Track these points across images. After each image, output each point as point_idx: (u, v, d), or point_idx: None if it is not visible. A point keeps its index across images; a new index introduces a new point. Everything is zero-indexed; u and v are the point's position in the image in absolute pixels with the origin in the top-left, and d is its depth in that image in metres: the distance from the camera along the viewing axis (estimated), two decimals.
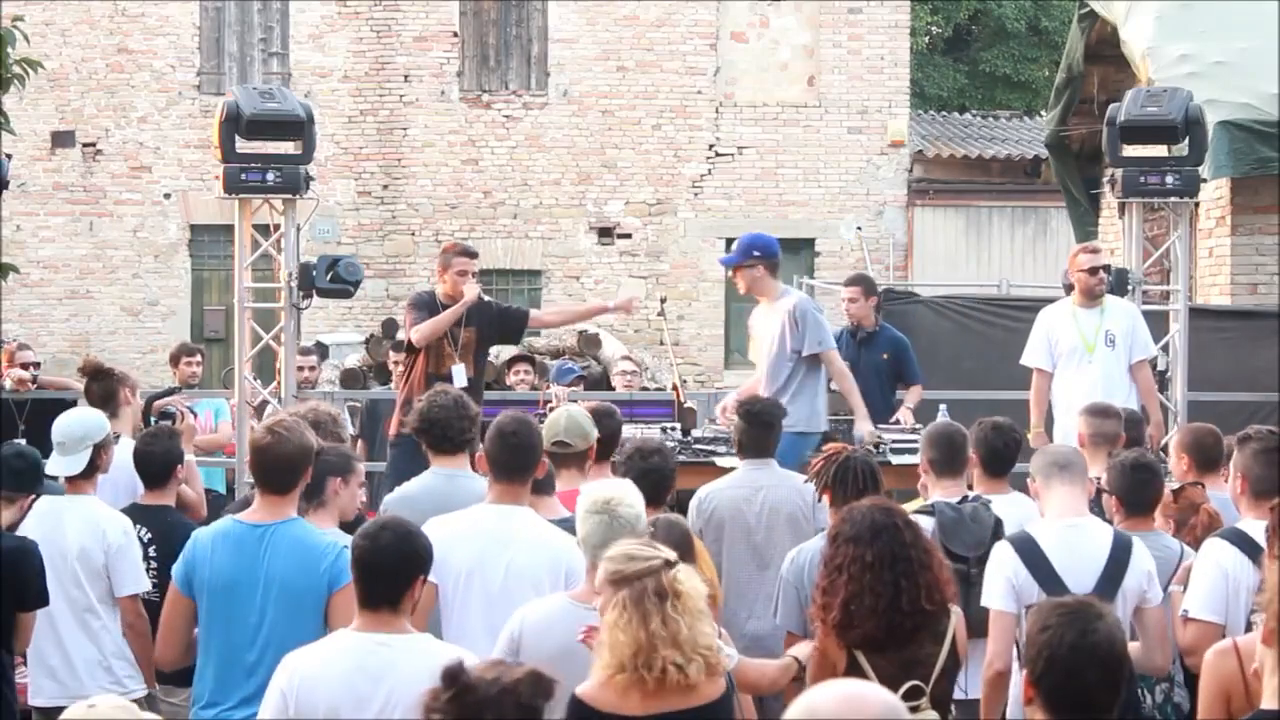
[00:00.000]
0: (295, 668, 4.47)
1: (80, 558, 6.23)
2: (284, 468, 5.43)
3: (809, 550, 6.02)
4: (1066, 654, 3.56)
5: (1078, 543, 5.58)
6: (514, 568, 5.27)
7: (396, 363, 12.57)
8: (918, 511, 6.28)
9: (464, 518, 5.62)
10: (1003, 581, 5.46)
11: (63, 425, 6.48)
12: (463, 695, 3.35)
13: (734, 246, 9.27)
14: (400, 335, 13.91)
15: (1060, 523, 5.63)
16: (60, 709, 6.03)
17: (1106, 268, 9.67)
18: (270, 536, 5.35)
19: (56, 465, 6.40)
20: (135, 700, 6.07)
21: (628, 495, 4.93)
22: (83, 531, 6.26)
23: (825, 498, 5.98)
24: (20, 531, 6.06)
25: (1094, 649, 3.57)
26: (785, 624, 5.97)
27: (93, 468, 6.41)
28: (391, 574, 4.46)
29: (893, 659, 4.79)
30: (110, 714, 3.60)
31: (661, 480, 6.57)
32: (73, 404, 10.67)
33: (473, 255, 9.47)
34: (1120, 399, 8.92)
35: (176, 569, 5.49)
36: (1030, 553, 5.51)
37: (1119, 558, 5.55)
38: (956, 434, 6.49)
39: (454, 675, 3.37)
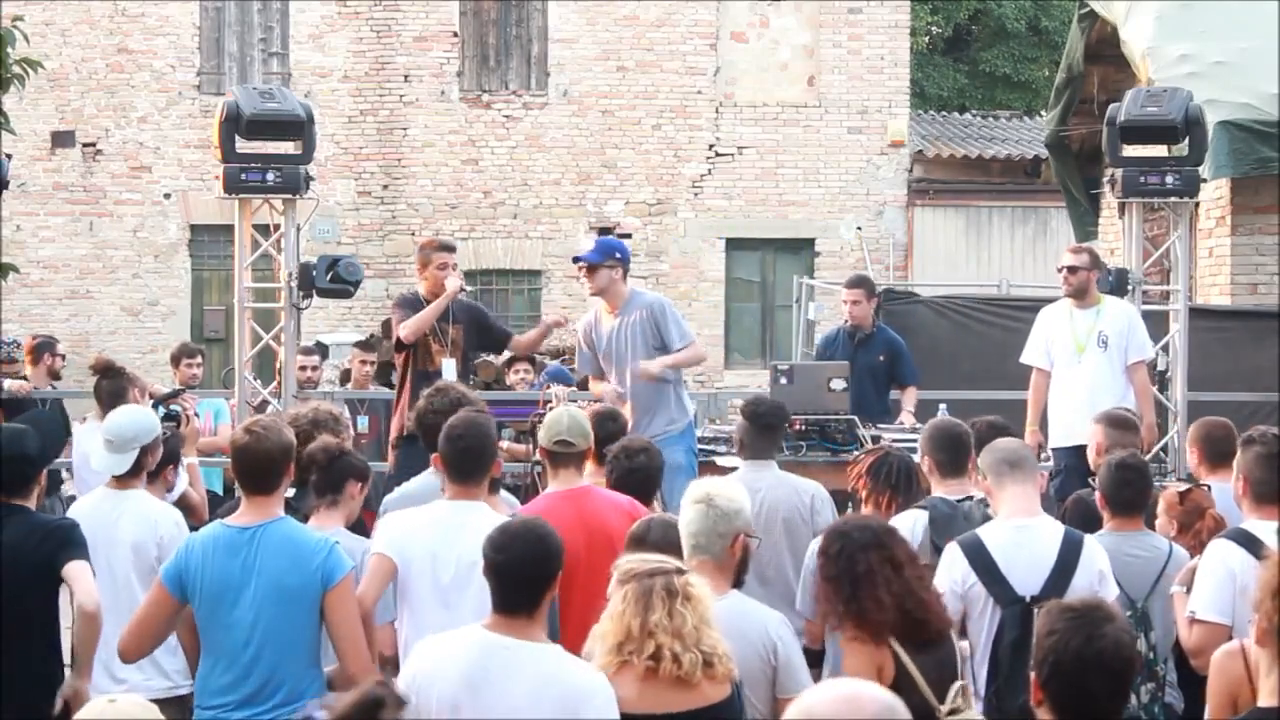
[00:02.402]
0: (422, 655, 4.51)
1: (133, 551, 6.25)
2: (265, 467, 5.44)
3: None
4: (1072, 660, 3.56)
5: (1025, 543, 5.58)
6: (464, 560, 5.32)
7: (364, 362, 12.63)
8: (913, 507, 6.31)
9: (423, 511, 5.72)
10: (945, 584, 5.44)
11: (114, 424, 6.50)
12: None
13: (591, 247, 9.23)
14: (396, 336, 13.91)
15: (1009, 523, 5.63)
16: None
17: (1073, 269, 9.63)
18: (260, 537, 5.36)
19: (104, 463, 6.44)
20: (182, 697, 6.10)
21: (729, 490, 5.08)
22: (136, 524, 6.29)
23: (860, 488, 6.04)
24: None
25: (1100, 655, 3.56)
26: (804, 612, 6.02)
27: (138, 467, 6.43)
28: (527, 580, 4.45)
29: (929, 658, 4.76)
30: (130, 712, 3.59)
31: (648, 479, 6.58)
32: (35, 403, 10.74)
33: (450, 249, 9.52)
34: (1110, 400, 8.92)
35: (167, 569, 5.50)
36: (977, 554, 5.50)
37: (1067, 558, 5.55)
38: (963, 434, 6.47)
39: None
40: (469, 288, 9.69)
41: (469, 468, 5.70)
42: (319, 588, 5.27)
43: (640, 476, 6.50)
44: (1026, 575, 5.49)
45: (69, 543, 5.62)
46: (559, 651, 4.49)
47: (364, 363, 12.77)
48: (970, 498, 6.26)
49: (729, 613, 4.85)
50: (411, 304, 9.29)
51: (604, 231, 22.06)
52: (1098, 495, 6.22)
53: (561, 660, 4.44)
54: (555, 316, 10.15)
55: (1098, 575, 5.57)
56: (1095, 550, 5.65)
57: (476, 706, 4.32)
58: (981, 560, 5.49)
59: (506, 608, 4.44)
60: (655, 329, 8.88)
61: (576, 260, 9.11)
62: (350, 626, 5.27)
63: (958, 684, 4.69)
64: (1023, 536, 5.59)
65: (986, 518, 6.05)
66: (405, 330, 9.10)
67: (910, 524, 6.03)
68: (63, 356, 11.73)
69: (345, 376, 14.94)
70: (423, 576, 5.53)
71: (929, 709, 4.62)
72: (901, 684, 4.62)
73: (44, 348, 11.47)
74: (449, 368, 9.07)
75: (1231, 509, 6.13)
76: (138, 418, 6.60)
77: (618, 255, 9.03)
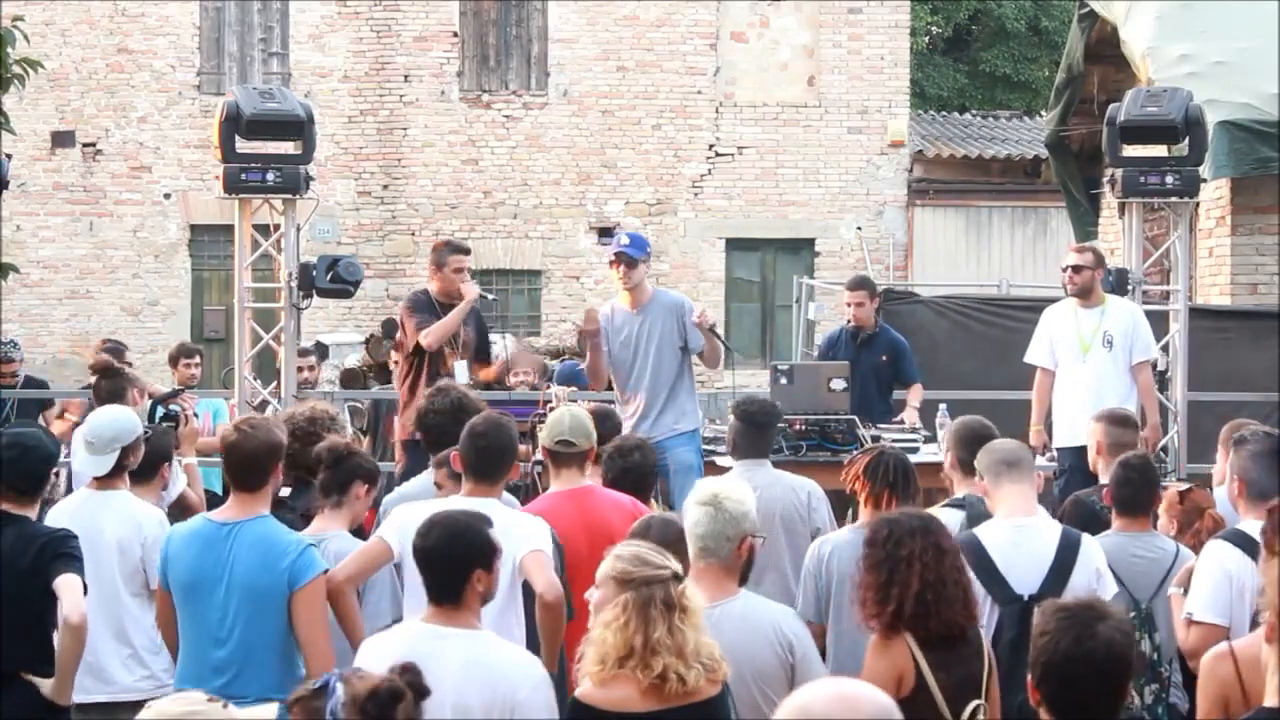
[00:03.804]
0: (363, 654, 4.55)
1: (118, 551, 6.23)
2: (250, 465, 5.47)
3: (832, 542, 6.07)
4: (1061, 661, 3.55)
5: (1024, 542, 5.58)
6: None
7: (399, 362, 12.54)
8: (947, 504, 6.31)
9: (434, 505, 5.61)
10: None
11: (94, 425, 6.45)
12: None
13: (627, 240, 9.17)
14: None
15: (1007, 523, 5.64)
16: (96, 705, 6.08)
17: (1077, 268, 9.61)
18: (236, 534, 5.39)
19: (85, 464, 6.41)
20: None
21: (737, 491, 5.04)
22: (120, 525, 6.26)
23: (858, 489, 6.06)
24: (56, 524, 6.02)
25: (1089, 655, 3.55)
26: (804, 614, 6.01)
27: (120, 467, 6.40)
28: (445, 571, 4.49)
29: (951, 675, 4.68)
30: (174, 709, 3.61)
31: (642, 477, 6.59)
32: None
33: (467, 251, 9.51)
34: (1116, 400, 8.92)
35: (159, 566, 5.57)
36: (975, 554, 5.48)
37: (1065, 556, 5.55)
38: (989, 434, 6.47)
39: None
40: (490, 295, 9.66)
41: (487, 467, 5.69)
42: (285, 589, 5.29)
43: (635, 475, 6.50)
44: (1024, 574, 5.50)
45: (62, 555, 5.60)
46: (490, 637, 4.54)
47: (399, 362, 12.62)
48: None
49: (741, 613, 4.85)
50: (425, 306, 9.22)
51: (604, 232, 22.09)
52: (1105, 495, 6.21)
53: (492, 645, 4.49)
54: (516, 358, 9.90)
55: (1095, 574, 5.58)
56: (1093, 549, 5.65)
57: None
58: (979, 559, 5.48)
59: (433, 597, 4.51)
60: (681, 329, 8.91)
61: (618, 254, 9.03)
62: (314, 629, 5.28)
63: (975, 703, 4.64)
64: (1020, 536, 5.59)
65: None
66: (430, 338, 9.03)
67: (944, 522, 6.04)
68: (129, 364, 11.66)
69: (347, 376, 14.93)
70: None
71: None
72: (919, 697, 4.60)
73: (111, 353, 11.38)
74: (461, 369, 9.06)
75: (1229, 510, 6.13)
76: (118, 418, 6.54)
77: (648, 251, 9.19)
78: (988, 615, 5.46)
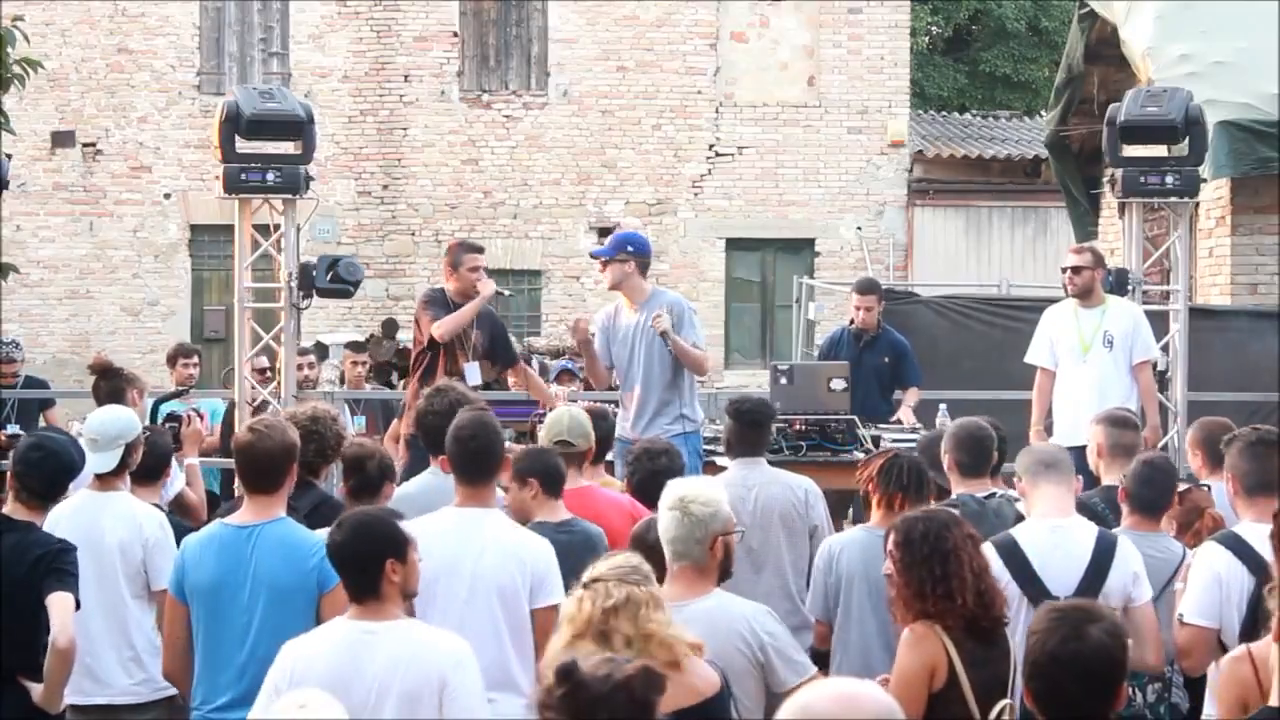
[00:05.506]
0: (289, 655, 4.53)
1: (119, 552, 6.20)
2: (266, 466, 5.44)
3: (842, 542, 6.12)
4: (1048, 661, 3.56)
5: (1060, 544, 5.58)
6: (479, 574, 5.23)
7: (355, 363, 12.64)
8: (943, 504, 6.33)
9: (431, 521, 5.48)
10: None
11: (97, 423, 6.43)
12: (576, 692, 3.28)
13: (607, 240, 9.27)
14: (401, 335, 13.84)
15: (1044, 523, 5.63)
16: (94, 706, 6.07)
17: (1077, 269, 9.60)
18: (257, 537, 5.36)
19: (88, 462, 6.39)
20: (166, 699, 6.10)
21: (704, 493, 5.04)
22: (120, 526, 6.24)
23: (870, 490, 6.08)
24: (56, 526, 5.98)
25: (1075, 656, 3.54)
26: (812, 611, 6.05)
27: (123, 466, 6.39)
28: (358, 565, 4.53)
29: (981, 673, 4.67)
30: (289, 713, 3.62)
31: (669, 482, 6.60)
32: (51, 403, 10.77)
33: (481, 250, 9.55)
34: (1117, 400, 8.93)
35: (170, 576, 5.52)
36: (1012, 554, 5.49)
37: (1101, 558, 5.55)
38: (986, 436, 6.49)
39: (567, 672, 3.31)
40: (506, 291, 9.69)
41: (478, 469, 5.62)
42: (314, 589, 5.25)
43: (663, 479, 6.50)
44: (1061, 575, 5.49)
45: (56, 570, 5.57)
46: (415, 624, 4.57)
47: (355, 364, 12.76)
48: (994, 494, 6.30)
49: (710, 612, 4.86)
50: (441, 302, 9.20)
51: (604, 232, 22.08)
52: (1120, 491, 6.21)
53: (420, 631, 4.53)
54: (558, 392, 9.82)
55: (1132, 576, 5.57)
56: (1129, 551, 5.64)
57: (347, 694, 4.32)
58: (1016, 560, 5.48)
59: (353, 595, 4.55)
60: (673, 330, 8.86)
61: (593, 255, 9.13)
62: None
63: (1003, 703, 4.62)
64: (1058, 537, 5.59)
65: (1017, 514, 6.08)
66: (441, 329, 8.98)
67: None
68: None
69: (381, 373, 14.96)
70: (436, 595, 5.23)
71: None
72: (950, 693, 4.61)
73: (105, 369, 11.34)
74: (472, 372, 9.03)
75: (1229, 509, 6.12)
76: (120, 416, 6.54)
77: (629, 249, 8.93)
78: (1023, 616, 5.43)
